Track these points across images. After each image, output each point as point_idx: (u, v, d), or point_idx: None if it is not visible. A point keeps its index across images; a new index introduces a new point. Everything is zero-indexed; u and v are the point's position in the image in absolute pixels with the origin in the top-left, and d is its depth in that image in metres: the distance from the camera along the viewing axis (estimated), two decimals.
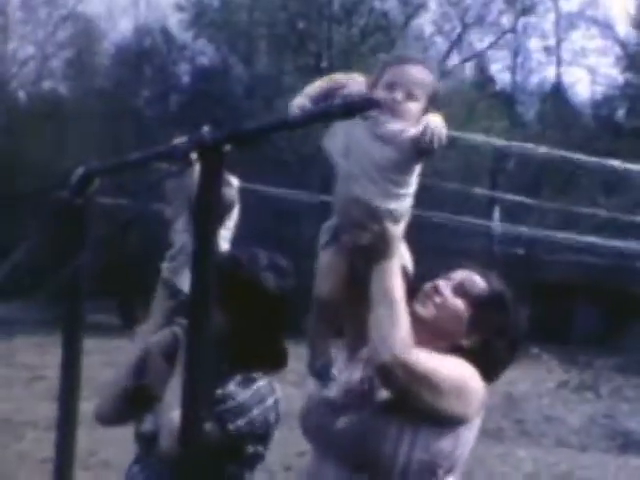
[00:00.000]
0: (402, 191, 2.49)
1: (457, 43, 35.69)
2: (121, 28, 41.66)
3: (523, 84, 37.64)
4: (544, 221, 24.37)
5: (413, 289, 2.60)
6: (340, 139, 2.51)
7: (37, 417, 11.10)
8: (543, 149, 15.54)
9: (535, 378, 17.96)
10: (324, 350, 2.56)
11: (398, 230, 2.50)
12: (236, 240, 3.14)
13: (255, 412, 2.81)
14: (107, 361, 15.37)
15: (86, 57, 40.29)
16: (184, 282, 2.74)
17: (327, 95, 2.47)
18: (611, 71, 36.04)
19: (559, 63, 37.01)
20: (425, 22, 36.31)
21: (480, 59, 37.13)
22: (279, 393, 2.94)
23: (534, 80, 38.98)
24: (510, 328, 2.65)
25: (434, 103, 2.52)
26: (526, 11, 35.57)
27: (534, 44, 38.03)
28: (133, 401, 2.92)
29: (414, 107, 2.50)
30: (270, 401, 2.87)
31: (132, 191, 11.65)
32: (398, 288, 2.44)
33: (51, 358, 15.77)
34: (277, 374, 3.00)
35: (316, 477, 2.59)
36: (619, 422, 13.29)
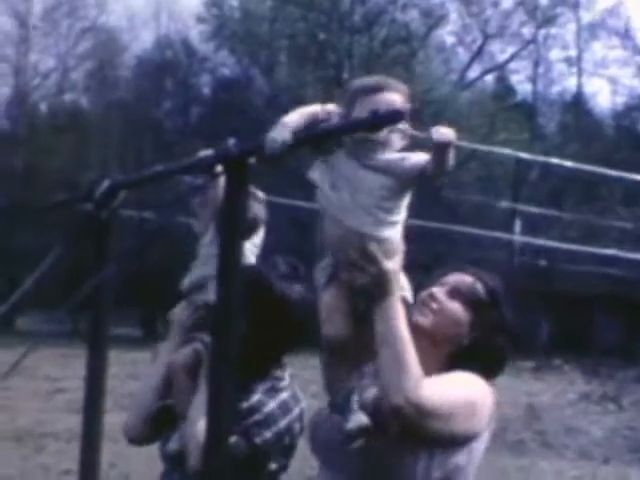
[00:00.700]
0: (394, 218, 2.48)
1: (478, 54, 35.75)
2: (142, 40, 41.78)
3: (544, 95, 37.67)
4: (565, 233, 24.33)
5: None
6: (325, 174, 2.50)
7: (58, 429, 11.14)
8: (568, 163, 15.50)
9: (557, 390, 17.90)
10: (341, 387, 2.54)
11: (395, 264, 2.49)
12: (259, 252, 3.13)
13: (281, 424, 2.79)
14: (129, 373, 15.46)
15: (107, 69, 40.53)
16: (209, 295, 2.73)
17: (309, 126, 2.43)
18: (632, 81, 36.04)
19: (580, 74, 37.04)
20: (446, 33, 36.46)
21: (501, 70, 37.18)
22: (304, 403, 2.92)
23: (555, 91, 38.94)
24: (507, 323, 2.66)
25: (412, 120, 2.49)
26: (547, 22, 35.60)
27: (555, 55, 37.96)
28: (158, 420, 2.91)
29: (395, 135, 2.49)
30: (296, 411, 2.86)
31: (154, 204, 11.67)
32: (402, 325, 2.41)
33: (72, 370, 15.86)
34: (299, 384, 2.99)
35: None
36: None
